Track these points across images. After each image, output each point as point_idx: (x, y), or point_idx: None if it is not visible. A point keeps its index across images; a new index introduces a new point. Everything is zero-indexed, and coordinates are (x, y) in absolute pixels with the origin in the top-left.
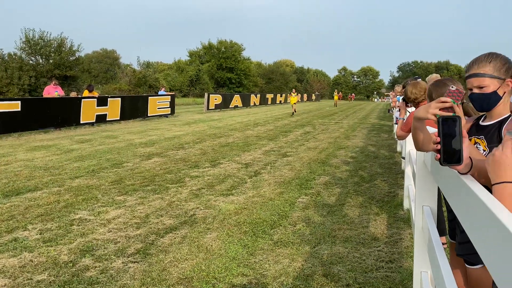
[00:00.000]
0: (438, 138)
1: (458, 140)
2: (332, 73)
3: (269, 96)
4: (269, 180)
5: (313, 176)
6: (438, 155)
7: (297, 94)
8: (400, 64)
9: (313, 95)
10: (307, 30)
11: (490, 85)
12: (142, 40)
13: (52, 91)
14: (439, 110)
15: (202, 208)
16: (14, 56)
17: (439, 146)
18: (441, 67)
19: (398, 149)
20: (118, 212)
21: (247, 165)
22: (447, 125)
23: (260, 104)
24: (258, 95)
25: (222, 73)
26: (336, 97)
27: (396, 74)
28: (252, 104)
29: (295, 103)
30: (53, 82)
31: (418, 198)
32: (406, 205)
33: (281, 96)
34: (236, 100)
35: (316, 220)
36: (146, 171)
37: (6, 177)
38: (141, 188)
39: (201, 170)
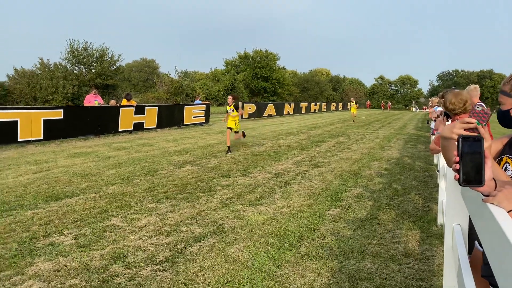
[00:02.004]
0: (457, 157)
1: (479, 160)
2: (368, 82)
3: (303, 105)
4: (299, 191)
5: (345, 188)
6: (457, 175)
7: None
8: (440, 73)
9: (349, 104)
10: (343, 38)
11: (506, 103)
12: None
13: (92, 100)
14: (464, 130)
15: (231, 217)
16: (59, 66)
17: (458, 166)
18: (484, 76)
19: (435, 161)
20: (150, 220)
21: (277, 175)
22: (468, 145)
23: (294, 113)
24: (292, 104)
25: (257, 82)
26: (353, 109)
27: (436, 83)
28: (285, 113)
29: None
30: (93, 91)
31: (448, 215)
32: (440, 220)
33: (315, 105)
34: (270, 109)
35: (346, 234)
36: (179, 179)
37: (47, 183)
38: (173, 196)
39: (231, 179)
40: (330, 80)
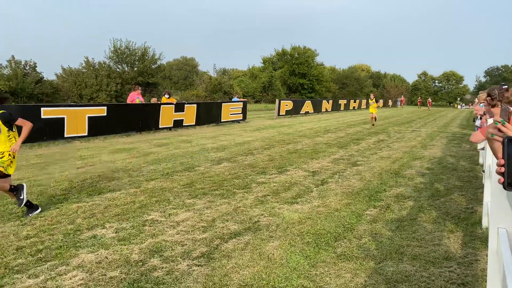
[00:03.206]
0: (502, 160)
1: None
2: (411, 78)
3: (342, 102)
4: (336, 190)
5: (384, 187)
6: (502, 179)
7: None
8: (488, 69)
9: (390, 101)
10: (384, 33)
11: None
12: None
13: (136, 97)
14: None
15: (266, 215)
16: (103, 65)
17: (503, 169)
18: None
19: (480, 161)
20: (187, 215)
21: (314, 173)
22: None
23: (332, 110)
24: (331, 101)
25: (295, 79)
26: (372, 108)
27: (483, 79)
28: (323, 110)
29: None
30: (137, 89)
31: (493, 218)
32: (484, 223)
33: (354, 102)
34: (307, 106)
35: (384, 235)
36: (216, 175)
37: (91, 178)
38: (210, 192)
39: (267, 177)
40: (371, 76)
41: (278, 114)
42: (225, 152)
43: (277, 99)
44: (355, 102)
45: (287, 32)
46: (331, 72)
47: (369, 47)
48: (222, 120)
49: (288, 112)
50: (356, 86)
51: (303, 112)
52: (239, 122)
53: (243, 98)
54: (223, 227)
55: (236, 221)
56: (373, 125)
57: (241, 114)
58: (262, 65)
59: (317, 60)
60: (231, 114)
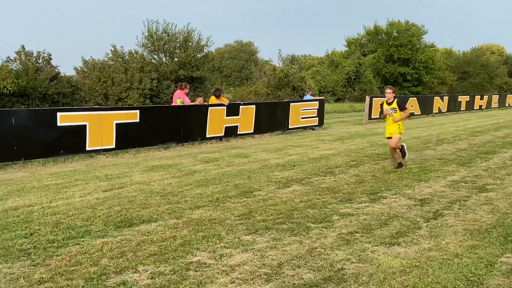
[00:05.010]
0: None
1: None
2: None
3: (463, 98)
4: (456, 226)
5: None
6: None
7: None
8: None
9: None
10: None
11: None
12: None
13: (182, 98)
14: None
15: (354, 260)
16: (134, 55)
17: None
18: None
19: None
20: (245, 257)
21: (422, 202)
22: None
23: (448, 111)
24: (446, 98)
25: (393, 67)
26: None
27: None
28: (435, 111)
29: None
30: (184, 89)
31: None
32: None
33: (481, 98)
34: (412, 105)
35: None
36: (282, 203)
37: (119, 204)
38: (275, 226)
39: (355, 206)
40: (505, 61)
41: (369, 117)
42: (295, 171)
43: (367, 96)
44: (482, 99)
45: (382, 2)
46: (446, 57)
47: (503, 20)
48: (290, 127)
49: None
50: (484, 75)
51: None
52: (313, 129)
53: (319, 95)
54: (293, 275)
55: (312, 268)
56: None
57: (317, 118)
58: (347, 49)
59: (426, 41)
60: (302, 118)
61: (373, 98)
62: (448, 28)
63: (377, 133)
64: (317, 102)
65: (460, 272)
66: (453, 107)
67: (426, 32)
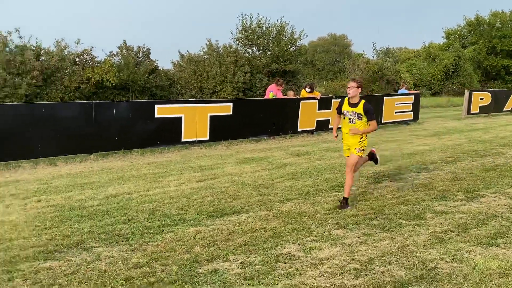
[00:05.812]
0: None
1: None
2: None
3: None
4: None
5: None
6: None
7: None
8: None
9: None
10: None
11: None
12: (381, 19)
13: (274, 92)
14: None
15: (448, 260)
16: (229, 49)
17: None
18: None
19: None
20: (334, 251)
21: None
22: None
23: None
24: None
25: (495, 59)
26: None
27: None
28: None
29: None
30: (279, 86)
31: None
32: None
33: None
34: None
35: None
36: (374, 198)
37: (212, 194)
38: (365, 222)
39: (450, 204)
40: None
41: (468, 112)
42: (387, 166)
43: (466, 90)
44: None
45: None
46: None
47: None
48: (383, 121)
49: (483, 109)
50: None
51: (508, 109)
52: (408, 124)
53: (414, 89)
54: (383, 272)
55: (403, 265)
56: None
57: (411, 113)
58: (445, 41)
59: None
60: (396, 113)
61: (473, 92)
62: None
63: (476, 128)
64: (413, 96)
65: None
66: None
67: None
